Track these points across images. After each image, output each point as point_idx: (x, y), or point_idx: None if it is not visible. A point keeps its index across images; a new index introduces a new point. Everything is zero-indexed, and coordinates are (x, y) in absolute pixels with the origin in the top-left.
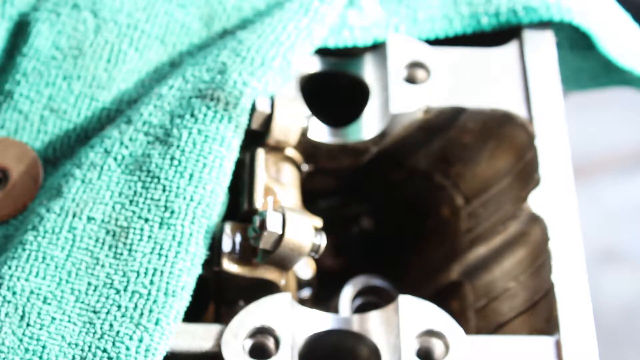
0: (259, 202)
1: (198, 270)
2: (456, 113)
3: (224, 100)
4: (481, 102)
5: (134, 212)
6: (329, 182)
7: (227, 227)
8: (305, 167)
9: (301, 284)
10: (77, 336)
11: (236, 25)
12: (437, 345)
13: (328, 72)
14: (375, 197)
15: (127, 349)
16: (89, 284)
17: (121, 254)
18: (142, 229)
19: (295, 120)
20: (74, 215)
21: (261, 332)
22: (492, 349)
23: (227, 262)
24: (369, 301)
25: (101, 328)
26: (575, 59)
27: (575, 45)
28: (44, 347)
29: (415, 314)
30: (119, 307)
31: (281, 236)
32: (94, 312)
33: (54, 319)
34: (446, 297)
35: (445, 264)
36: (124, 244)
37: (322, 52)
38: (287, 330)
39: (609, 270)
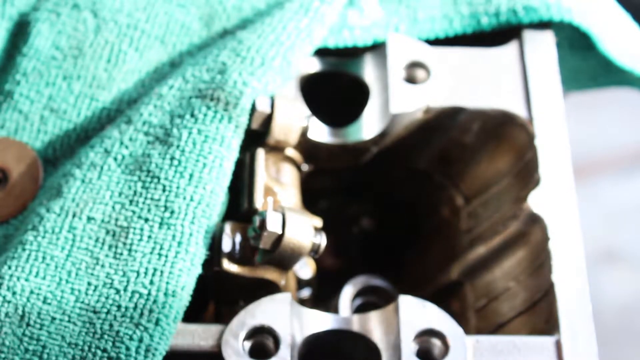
0: (259, 202)
1: (198, 270)
2: (456, 113)
3: (224, 100)
4: (481, 102)
5: (134, 212)
6: (329, 182)
7: (227, 227)
8: (305, 167)
9: (301, 284)
10: (77, 336)
11: (236, 25)
12: (437, 345)
13: (328, 72)
14: (375, 197)
15: (127, 349)
16: (89, 284)
17: (121, 254)
18: (142, 229)
19: (295, 120)
20: (74, 215)
21: (261, 332)
22: (492, 349)
23: (227, 262)
24: (369, 301)
25: (101, 328)
26: (575, 59)
27: (575, 45)
28: (44, 347)
29: (415, 314)
30: (119, 307)
31: (281, 236)
32: (94, 312)
33: (54, 319)
34: (446, 297)
35: (445, 264)
36: (124, 244)
37: (322, 52)
38: (287, 330)
39: (609, 270)
